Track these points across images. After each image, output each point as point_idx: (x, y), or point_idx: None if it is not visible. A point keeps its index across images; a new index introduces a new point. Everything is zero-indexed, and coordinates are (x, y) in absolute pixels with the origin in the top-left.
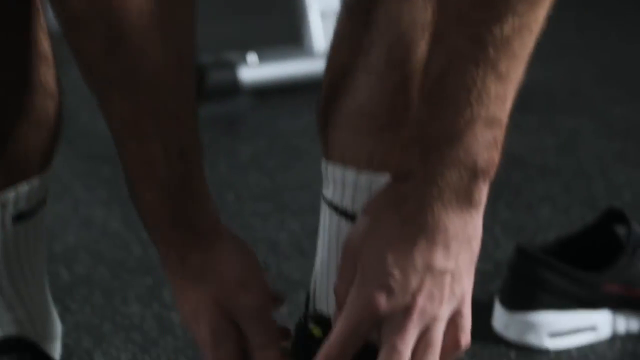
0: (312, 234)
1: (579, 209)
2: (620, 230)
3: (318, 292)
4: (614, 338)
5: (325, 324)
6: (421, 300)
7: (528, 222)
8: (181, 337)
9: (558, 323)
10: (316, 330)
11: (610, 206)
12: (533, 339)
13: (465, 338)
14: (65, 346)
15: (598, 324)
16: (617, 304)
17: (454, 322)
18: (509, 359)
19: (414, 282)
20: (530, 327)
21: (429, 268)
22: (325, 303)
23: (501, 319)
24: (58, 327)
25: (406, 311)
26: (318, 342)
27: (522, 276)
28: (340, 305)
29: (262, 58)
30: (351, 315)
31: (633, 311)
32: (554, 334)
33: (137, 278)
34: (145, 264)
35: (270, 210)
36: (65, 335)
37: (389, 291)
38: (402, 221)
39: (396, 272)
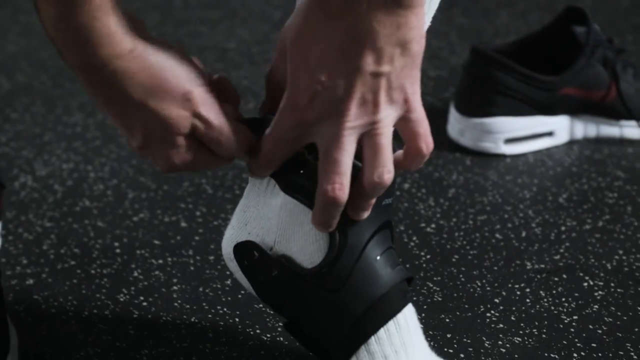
0: (262, 41)
1: (538, 14)
2: (580, 31)
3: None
4: (571, 143)
5: None
6: (353, 106)
7: (485, 27)
8: (125, 145)
9: (514, 128)
10: None
11: (568, 5)
12: (489, 145)
13: (426, 143)
14: (5, 155)
15: (555, 129)
16: (575, 109)
17: (406, 128)
18: (464, 165)
19: (341, 86)
20: (486, 132)
21: (358, 71)
22: None
23: (456, 125)
24: None
25: (338, 118)
26: None
27: (478, 79)
28: (268, 93)
29: None
30: (279, 123)
31: (590, 116)
32: (510, 140)
33: (79, 87)
34: None
35: (219, 17)
36: (5, 144)
37: (314, 95)
38: (326, 17)
39: (322, 76)
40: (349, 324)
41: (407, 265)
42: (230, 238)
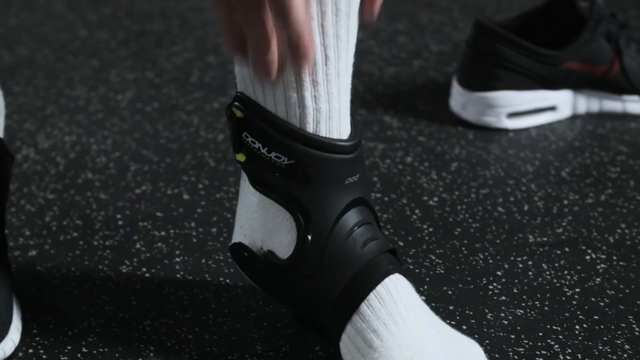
0: None
1: None
2: (583, 5)
3: None
4: (574, 118)
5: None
6: None
7: (488, 3)
8: (128, 119)
9: (517, 103)
10: None
11: None
12: (491, 119)
13: None
14: (7, 128)
15: (558, 103)
16: (578, 83)
17: None
18: (467, 139)
19: None
20: (489, 106)
21: None
22: None
23: (459, 99)
24: (1, 103)
25: None
26: None
27: (481, 53)
28: None
29: None
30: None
31: (593, 90)
32: (513, 114)
33: (82, 60)
34: (91, 46)
35: None
36: (8, 117)
37: None
38: None
39: None
40: (330, 306)
41: (410, 238)
42: (232, 240)
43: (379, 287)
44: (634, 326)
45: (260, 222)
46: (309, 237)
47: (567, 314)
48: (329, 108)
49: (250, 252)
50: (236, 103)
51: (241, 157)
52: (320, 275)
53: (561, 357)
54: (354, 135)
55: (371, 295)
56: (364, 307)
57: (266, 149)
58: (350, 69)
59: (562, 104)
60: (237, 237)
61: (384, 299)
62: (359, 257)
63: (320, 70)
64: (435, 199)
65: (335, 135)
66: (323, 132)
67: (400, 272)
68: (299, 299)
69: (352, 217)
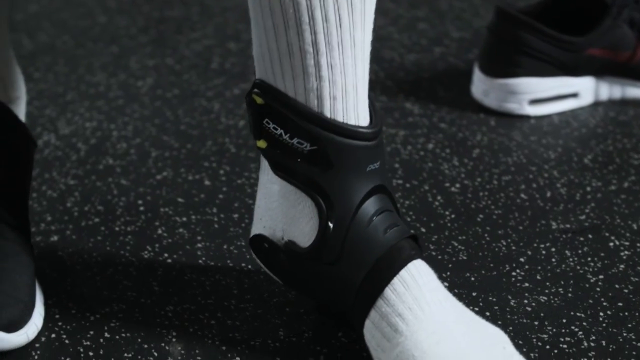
0: None
1: None
2: None
3: None
4: (596, 104)
5: None
6: None
7: None
8: (148, 105)
9: (539, 89)
10: None
11: None
12: (513, 106)
13: None
14: (28, 114)
15: (580, 90)
16: (600, 70)
17: None
18: (488, 126)
19: None
20: (511, 93)
21: None
22: None
23: (481, 86)
24: (22, 86)
25: None
26: None
27: (503, 40)
28: None
29: None
30: None
31: (616, 77)
32: (535, 101)
33: (102, 46)
34: (111, 32)
35: None
36: (28, 103)
37: None
38: None
39: None
40: (352, 292)
41: (432, 225)
42: (251, 233)
43: (403, 272)
44: None
45: (280, 212)
46: (331, 224)
47: (590, 301)
48: (344, 82)
49: (270, 243)
50: (256, 90)
51: (262, 144)
52: (343, 262)
53: (585, 344)
54: (375, 123)
55: (395, 280)
56: (388, 292)
57: (288, 135)
58: (367, 45)
59: (584, 90)
60: (257, 229)
61: (409, 283)
62: (381, 243)
63: (335, 32)
64: (457, 185)
65: (353, 120)
66: (341, 113)
67: (422, 259)
68: (321, 287)
69: (373, 204)
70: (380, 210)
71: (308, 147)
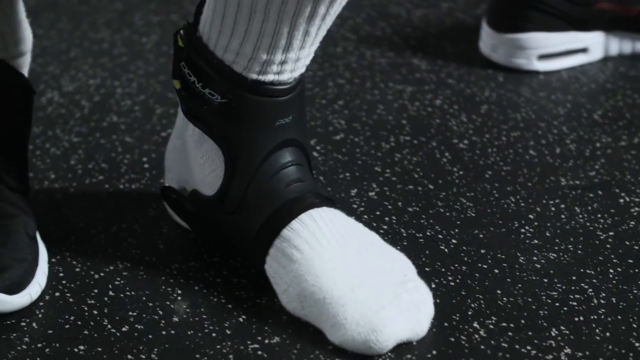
0: None
1: None
2: None
3: None
4: (606, 60)
5: None
6: None
7: None
8: (153, 62)
9: (548, 44)
10: None
11: None
12: (522, 61)
13: None
14: (31, 71)
15: (590, 45)
16: (610, 24)
17: None
18: (496, 82)
19: None
20: (519, 48)
21: None
22: None
23: (489, 41)
24: (28, 40)
25: None
26: None
27: None
28: None
29: None
30: None
31: (626, 32)
32: (544, 56)
33: (105, 3)
34: None
35: None
36: (32, 60)
37: None
38: None
39: None
40: (251, 239)
41: (440, 181)
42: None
43: (302, 215)
44: None
45: (186, 162)
46: (233, 176)
47: (600, 258)
48: (269, 60)
49: (177, 194)
50: (181, 32)
51: (177, 85)
52: (243, 212)
53: (595, 302)
54: (290, 79)
55: (293, 222)
56: (285, 231)
57: (201, 84)
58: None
59: (593, 45)
60: (166, 181)
61: (307, 223)
62: (281, 195)
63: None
64: (465, 141)
65: (269, 78)
66: (256, 71)
67: (332, 207)
68: (224, 233)
69: (280, 157)
70: (288, 163)
71: (219, 99)
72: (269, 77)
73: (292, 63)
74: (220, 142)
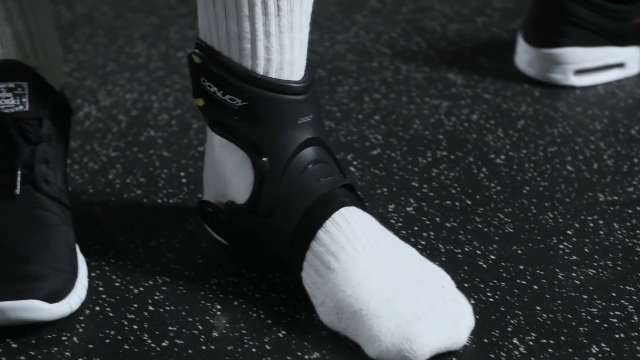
0: None
1: None
2: None
3: None
4: None
5: None
6: None
7: None
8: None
9: (585, 59)
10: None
11: None
12: (558, 77)
13: None
14: (68, 86)
15: (627, 60)
16: None
17: None
18: (533, 97)
19: None
20: (556, 63)
21: None
22: None
23: (525, 56)
24: (59, 55)
25: None
26: None
27: (548, 9)
28: None
29: None
30: None
31: None
32: (581, 71)
33: (141, 17)
34: (150, 3)
35: None
36: (68, 74)
37: None
38: None
39: None
40: (288, 241)
41: (477, 197)
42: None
43: (336, 215)
44: None
45: (220, 176)
46: (264, 177)
47: None
48: (280, 60)
49: (213, 207)
50: (196, 50)
51: (200, 102)
52: (277, 214)
53: (636, 319)
54: (306, 78)
55: (327, 223)
56: (321, 234)
57: (221, 92)
58: (305, 26)
59: (630, 60)
60: (205, 198)
61: (342, 225)
62: (313, 191)
63: (274, 21)
64: (503, 157)
65: (286, 77)
66: (273, 75)
67: (362, 208)
68: (260, 240)
69: (306, 156)
70: (314, 161)
71: (240, 103)
72: (284, 77)
73: (290, 66)
74: (246, 147)
